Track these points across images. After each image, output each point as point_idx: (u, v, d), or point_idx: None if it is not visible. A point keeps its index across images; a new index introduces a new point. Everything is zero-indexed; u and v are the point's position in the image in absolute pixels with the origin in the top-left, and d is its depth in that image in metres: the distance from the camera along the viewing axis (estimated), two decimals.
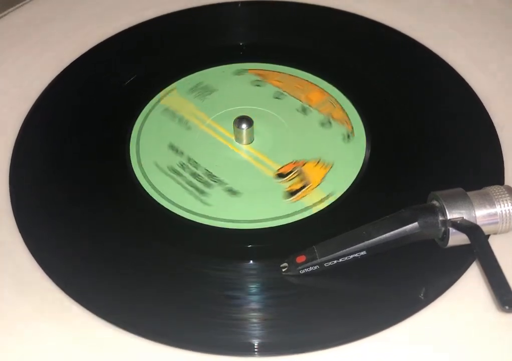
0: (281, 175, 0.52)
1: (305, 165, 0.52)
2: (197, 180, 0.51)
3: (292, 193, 0.50)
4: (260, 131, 0.54)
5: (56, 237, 0.48)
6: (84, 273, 0.46)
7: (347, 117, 0.55)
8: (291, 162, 0.52)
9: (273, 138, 0.55)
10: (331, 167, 0.52)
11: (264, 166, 0.52)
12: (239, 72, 0.60)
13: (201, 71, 0.60)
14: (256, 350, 0.42)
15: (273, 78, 0.59)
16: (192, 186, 0.51)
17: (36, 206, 0.50)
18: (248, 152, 0.54)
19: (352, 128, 0.54)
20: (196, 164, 0.53)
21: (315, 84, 0.58)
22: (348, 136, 0.54)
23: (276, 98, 0.57)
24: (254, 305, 0.44)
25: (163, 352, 0.41)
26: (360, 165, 0.52)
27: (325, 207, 0.49)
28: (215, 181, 0.51)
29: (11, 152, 0.53)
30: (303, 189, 0.51)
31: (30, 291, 0.44)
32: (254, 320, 0.43)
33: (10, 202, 0.50)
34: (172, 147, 0.54)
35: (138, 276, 0.45)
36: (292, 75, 0.59)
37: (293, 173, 0.52)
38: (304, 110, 0.56)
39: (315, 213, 0.49)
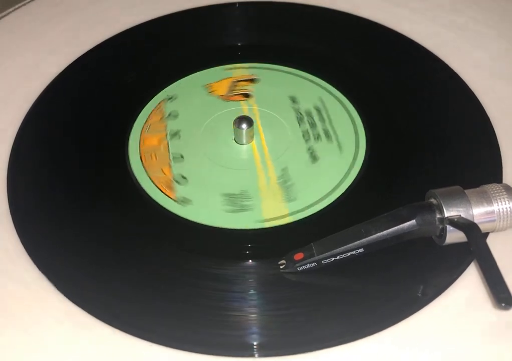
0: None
1: None
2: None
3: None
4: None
5: (55, 238, 0.48)
6: (83, 274, 0.45)
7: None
8: None
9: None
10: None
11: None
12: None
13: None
14: (255, 350, 0.41)
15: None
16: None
17: (34, 208, 0.50)
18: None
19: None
20: None
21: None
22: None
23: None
24: (253, 305, 0.44)
25: (162, 353, 0.41)
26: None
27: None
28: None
29: (9, 153, 0.53)
30: None
31: (28, 292, 0.44)
32: (254, 320, 0.43)
33: (8, 204, 0.50)
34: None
35: (137, 277, 0.45)
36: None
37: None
38: None
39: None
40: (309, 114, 0.56)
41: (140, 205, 0.50)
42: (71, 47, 0.62)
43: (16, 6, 0.66)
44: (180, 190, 0.51)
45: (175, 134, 0.55)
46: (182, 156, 0.53)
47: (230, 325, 0.43)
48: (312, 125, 0.55)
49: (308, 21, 0.65)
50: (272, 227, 0.48)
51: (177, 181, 0.52)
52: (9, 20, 0.66)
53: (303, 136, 0.54)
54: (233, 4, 0.66)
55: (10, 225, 0.48)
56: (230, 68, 0.60)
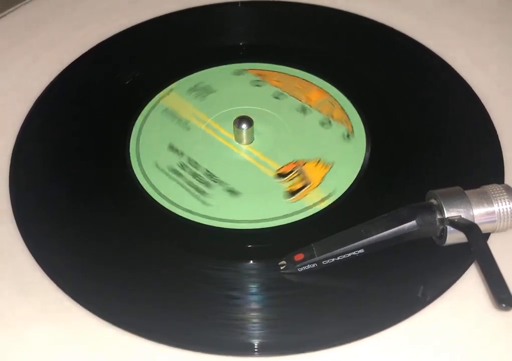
0: (281, 175, 0.52)
1: (305, 164, 0.52)
2: (197, 180, 0.51)
3: (293, 193, 0.50)
4: (260, 131, 0.55)
5: (56, 237, 0.48)
6: (84, 272, 0.46)
7: (347, 116, 0.56)
8: (292, 162, 0.52)
9: (273, 138, 0.55)
10: (331, 167, 0.52)
11: (265, 166, 0.52)
12: (239, 72, 0.60)
13: (201, 71, 0.60)
14: (256, 350, 0.42)
15: (272, 78, 0.59)
16: (192, 186, 0.51)
17: (36, 207, 0.50)
18: (248, 152, 0.54)
19: (352, 127, 0.55)
20: (196, 165, 0.53)
21: (315, 84, 0.58)
22: (348, 136, 0.54)
23: (276, 97, 0.58)
24: (253, 305, 0.44)
25: (162, 352, 0.41)
26: (360, 164, 0.52)
27: (325, 207, 0.49)
28: (215, 181, 0.51)
29: (11, 152, 0.53)
30: (304, 189, 0.51)
31: (30, 291, 0.45)
32: (254, 320, 0.43)
33: (10, 202, 0.50)
34: (172, 148, 0.54)
35: (137, 276, 0.45)
36: (292, 76, 0.59)
37: (293, 173, 0.52)
38: (304, 110, 0.56)
39: (315, 213, 0.49)
40: None
41: (140, 204, 0.50)
42: (71, 47, 0.62)
43: (16, 6, 0.66)
44: None
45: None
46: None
47: (230, 325, 0.43)
48: None
49: (308, 21, 0.64)
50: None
51: None
52: (9, 20, 0.66)
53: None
54: (235, 3, 0.66)
55: (13, 225, 0.48)
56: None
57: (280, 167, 0.52)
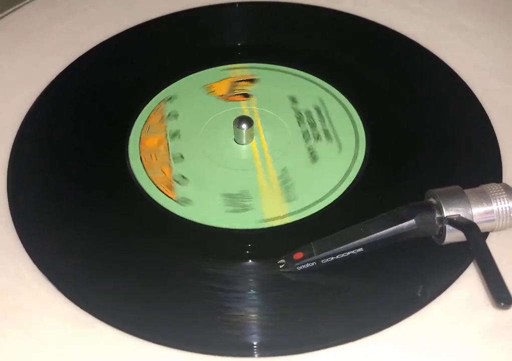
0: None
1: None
2: None
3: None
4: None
5: (54, 238, 0.48)
6: (83, 273, 0.45)
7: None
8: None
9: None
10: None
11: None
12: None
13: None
14: (255, 350, 0.41)
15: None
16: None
17: (34, 208, 0.50)
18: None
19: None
20: None
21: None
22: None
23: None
24: (252, 304, 0.44)
25: (161, 353, 0.41)
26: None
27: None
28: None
29: (10, 153, 0.53)
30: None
31: (29, 292, 0.44)
32: (253, 320, 0.43)
33: (8, 204, 0.50)
34: None
35: (136, 276, 0.45)
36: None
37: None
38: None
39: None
40: (309, 114, 0.56)
41: (139, 205, 0.50)
42: (71, 48, 0.62)
43: (16, 6, 0.67)
44: (180, 190, 0.51)
45: (175, 134, 0.55)
46: (182, 156, 0.53)
47: (229, 325, 0.43)
48: (312, 124, 0.55)
49: (308, 21, 0.65)
50: (272, 227, 0.48)
51: (177, 181, 0.51)
52: (9, 20, 0.66)
53: (303, 136, 0.54)
54: (233, 4, 0.66)
55: (11, 225, 0.48)
56: (230, 68, 0.60)
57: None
